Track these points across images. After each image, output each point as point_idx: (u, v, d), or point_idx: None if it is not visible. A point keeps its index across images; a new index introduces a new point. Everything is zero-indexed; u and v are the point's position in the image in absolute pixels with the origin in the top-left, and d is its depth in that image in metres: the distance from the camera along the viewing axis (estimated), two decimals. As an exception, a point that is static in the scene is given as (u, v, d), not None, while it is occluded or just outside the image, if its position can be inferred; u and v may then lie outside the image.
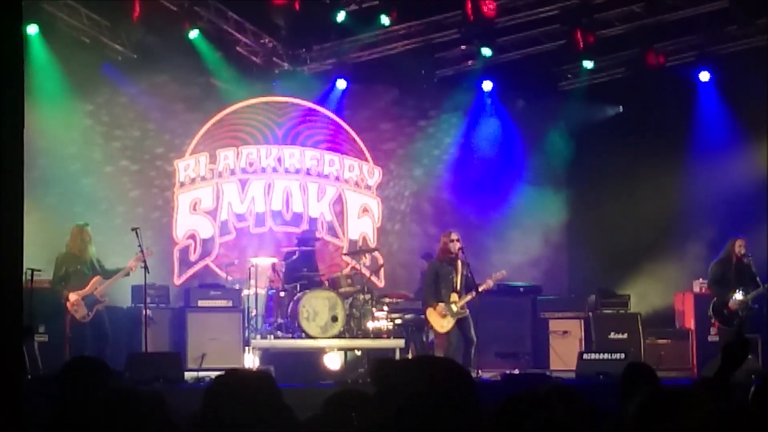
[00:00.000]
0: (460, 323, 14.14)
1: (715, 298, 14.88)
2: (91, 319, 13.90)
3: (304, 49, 17.23)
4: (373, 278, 16.67)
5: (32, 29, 14.95)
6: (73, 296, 13.83)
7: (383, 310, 15.10)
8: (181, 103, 17.14)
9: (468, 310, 14.20)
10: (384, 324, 14.93)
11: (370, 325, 14.81)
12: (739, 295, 14.56)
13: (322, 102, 17.91)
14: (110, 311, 14.33)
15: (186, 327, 15.20)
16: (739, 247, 14.65)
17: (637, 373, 6.31)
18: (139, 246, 13.77)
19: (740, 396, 4.95)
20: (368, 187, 18.17)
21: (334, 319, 14.42)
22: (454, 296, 14.14)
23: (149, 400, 4.51)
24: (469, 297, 14.17)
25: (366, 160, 18.19)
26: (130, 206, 16.66)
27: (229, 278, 16.13)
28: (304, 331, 14.35)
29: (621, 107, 18.94)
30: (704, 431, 2.72)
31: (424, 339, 15.10)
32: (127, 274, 14.20)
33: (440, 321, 14.16)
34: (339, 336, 14.53)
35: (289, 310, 14.68)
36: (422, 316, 14.50)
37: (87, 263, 14.08)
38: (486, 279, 14.43)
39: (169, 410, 4.53)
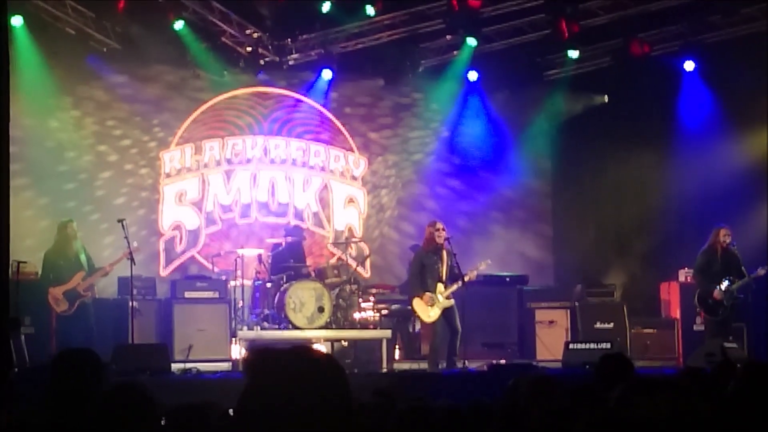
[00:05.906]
0: (446, 313, 14.10)
1: (700, 288, 14.88)
2: (74, 313, 13.94)
3: (289, 40, 17.20)
4: (360, 269, 16.67)
5: (17, 21, 14.88)
6: (54, 291, 13.91)
7: (369, 301, 15.12)
8: (166, 94, 17.12)
9: (454, 300, 14.22)
10: (370, 314, 14.95)
11: (357, 315, 14.83)
12: (724, 285, 14.55)
13: (307, 92, 17.87)
14: (97, 303, 14.35)
15: (172, 318, 15.20)
16: (723, 236, 14.55)
17: (613, 364, 6.31)
18: (126, 237, 13.81)
19: (727, 384, 4.97)
20: (354, 178, 18.16)
21: (321, 309, 14.41)
22: (440, 286, 14.13)
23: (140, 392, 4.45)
24: (455, 287, 14.16)
25: (351, 150, 18.17)
26: (115, 198, 16.60)
27: (216, 269, 16.11)
28: (290, 322, 14.34)
29: (606, 97, 18.96)
30: (685, 419, 2.73)
31: (411, 329, 15.12)
32: (105, 275, 14.31)
33: (427, 311, 14.11)
34: (325, 327, 14.53)
35: (275, 301, 14.68)
36: (408, 307, 14.49)
37: (71, 259, 14.10)
38: (470, 269, 14.47)
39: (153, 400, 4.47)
